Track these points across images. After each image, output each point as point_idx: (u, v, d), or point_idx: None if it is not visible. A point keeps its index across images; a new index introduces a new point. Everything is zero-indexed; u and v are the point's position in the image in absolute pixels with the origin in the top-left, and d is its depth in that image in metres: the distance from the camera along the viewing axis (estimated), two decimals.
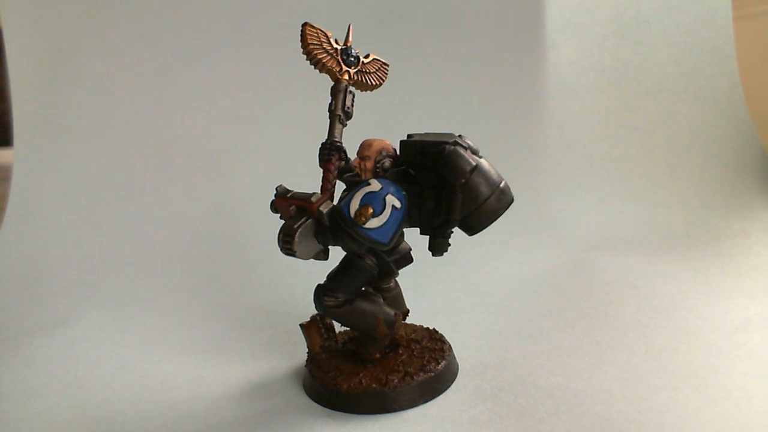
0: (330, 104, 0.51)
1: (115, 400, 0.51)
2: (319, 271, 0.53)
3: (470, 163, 0.46)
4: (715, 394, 0.50)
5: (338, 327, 0.56)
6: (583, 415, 0.47)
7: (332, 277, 0.51)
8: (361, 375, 0.51)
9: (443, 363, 0.53)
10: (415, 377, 0.51)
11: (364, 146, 0.50)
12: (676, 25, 1.24)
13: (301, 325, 0.55)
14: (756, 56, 1.36)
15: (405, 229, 0.51)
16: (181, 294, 0.76)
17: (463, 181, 0.46)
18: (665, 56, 1.24)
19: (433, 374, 0.52)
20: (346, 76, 0.52)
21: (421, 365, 0.52)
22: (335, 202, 0.50)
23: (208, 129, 1.01)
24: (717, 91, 1.25)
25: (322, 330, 0.55)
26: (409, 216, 0.49)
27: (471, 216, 0.47)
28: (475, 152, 0.48)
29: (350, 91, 0.52)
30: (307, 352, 0.56)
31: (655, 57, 1.23)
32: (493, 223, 0.48)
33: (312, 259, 0.50)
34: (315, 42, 0.51)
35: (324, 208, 0.48)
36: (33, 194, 0.93)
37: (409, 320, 0.60)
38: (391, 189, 0.47)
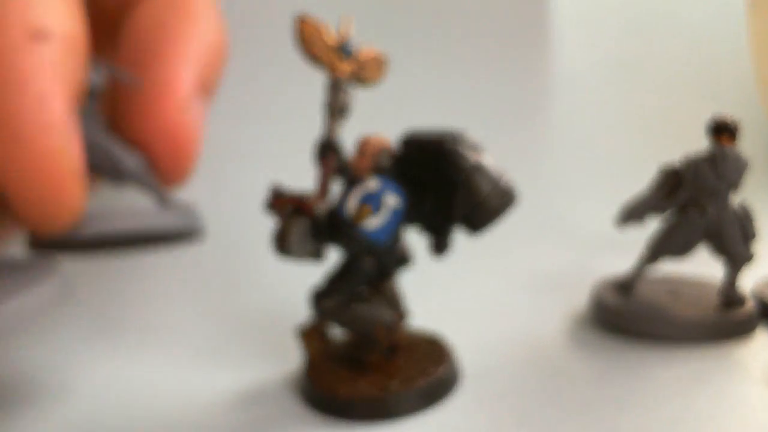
0: (327, 101, 0.50)
1: (105, 406, 0.50)
2: (316, 272, 0.52)
3: (471, 161, 0.46)
4: (730, 401, 0.48)
5: (336, 330, 0.55)
6: (589, 424, 0.46)
7: (329, 278, 0.51)
8: (359, 380, 0.50)
9: (444, 368, 0.52)
10: (415, 383, 0.50)
11: (362, 143, 0.49)
12: (687, 18, 1.23)
13: (297, 328, 0.54)
14: None
15: (404, 229, 0.51)
16: (173, 297, 0.76)
17: (464, 178, 0.46)
18: (676, 51, 1.22)
19: (433, 379, 0.50)
20: (344, 72, 0.51)
21: (422, 370, 0.51)
22: (332, 201, 0.49)
23: (204, 127, 1.00)
24: (729, 85, 1.23)
25: (319, 334, 0.54)
26: (409, 214, 0.48)
27: (472, 214, 0.47)
28: (476, 149, 0.48)
29: (348, 88, 0.51)
30: (304, 357, 0.54)
31: (666, 52, 1.21)
32: (497, 222, 0.47)
33: (308, 260, 0.49)
34: (311, 36, 0.50)
35: (320, 208, 0.47)
36: None
37: (408, 323, 0.59)
38: (390, 187, 0.47)
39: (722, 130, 0.60)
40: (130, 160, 0.45)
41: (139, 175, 0.45)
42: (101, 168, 0.44)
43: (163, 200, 0.47)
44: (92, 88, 0.44)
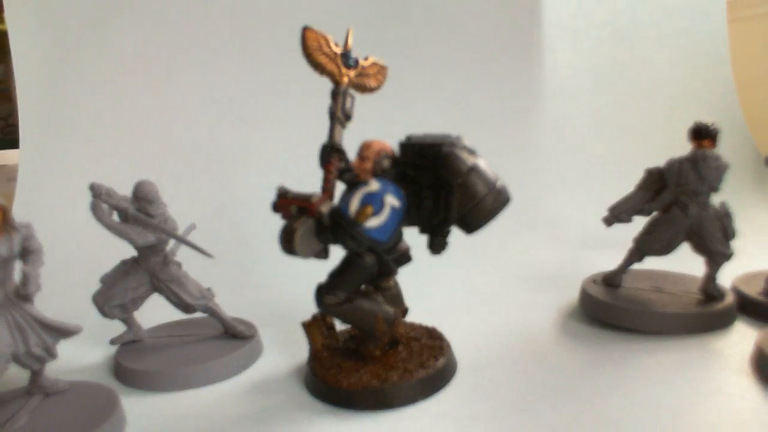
0: (330, 107, 0.52)
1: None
2: (320, 270, 0.54)
3: (467, 164, 0.47)
4: (709, 389, 0.51)
5: (339, 325, 0.57)
6: (580, 410, 0.48)
7: (333, 276, 0.52)
8: (361, 372, 0.52)
9: (442, 360, 0.54)
10: (414, 374, 0.52)
11: (364, 147, 0.51)
12: (672, 29, 1.25)
13: (302, 323, 0.56)
14: (750, 59, 1.37)
15: (404, 228, 0.52)
16: None
17: (461, 180, 0.47)
18: (661, 59, 1.25)
19: (432, 371, 0.52)
20: (346, 79, 0.53)
21: (421, 362, 0.53)
22: (335, 202, 0.50)
23: (210, 130, 1.01)
24: (712, 93, 1.26)
25: (323, 328, 0.56)
26: (408, 215, 0.50)
27: (468, 215, 0.48)
28: (472, 153, 0.49)
29: (350, 94, 0.53)
30: (309, 350, 0.56)
31: (651, 60, 1.24)
32: (491, 222, 0.49)
33: (313, 258, 0.51)
34: (315, 46, 0.52)
35: (324, 208, 0.49)
36: (38, 194, 0.94)
37: (408, 318, 0.61)
38: (390, 189, 0.48)
39: (703, 134, 0.63)
40: (197, 300, 0.60)
41: (204, 307, 0.61)
42: (177, 305, 0.60)
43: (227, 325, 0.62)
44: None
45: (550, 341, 0.62)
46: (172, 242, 0.61)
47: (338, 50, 0.53)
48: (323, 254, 0.52)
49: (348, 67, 0.53)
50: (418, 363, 0.53)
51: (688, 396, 0.50)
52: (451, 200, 0.48)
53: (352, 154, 0.52)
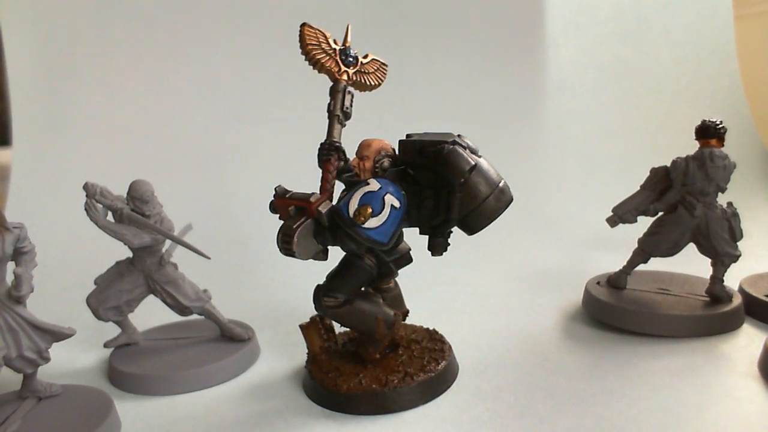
0: (329, 104, 0.51)
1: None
2: (319, 271, 0.53)
3: (469, 163, 0.47)
4: (716, 393, 0.50)
5: (338, 327, 0.56)
6: (583, 415, 0.48)
7: (332, 277, 0.51)
8: (361, 375, 0.51)
9: (443, 363, 0.53)
10: (415, 377, 0.51)
11: (363, 146, 0.50)
12: (677, 25, 1.25)
13: (300, 326, 0.55)
14: (757, 55, 1.36)
15: (404, 229, 0.51)
16: None
17: (462, 180, 0.46)
18: (666, 55, 1.24)
19: (433, 374, 0.52)
20: (345, 77, 0.52)
21: (421, 365, 0.52)
22: (334, 202, 0.49)
23: (207, 129, 1.01)
24: (718, 90, 1.25)
25: (322, 331, 0.56)
26: (408, 215, 0.49)
27: (470, 215, 0.47)
28: (474, 152, 0.49)
29: (349, 92, 0.52)
30: (307, 353, 0.56)
31: (656, 56, 1.23)
32: (493, 223, 0.48)
33: (311, 260, 0.50)
34: (314, 42, 0.51)
35: (323, 208, 0.48)
36: (32, 194, 0.94)
37: (408, 321, 0.60)
38: (390, 188, 0.48)
39: (711, 133, 0.62)
40: (194, 302, 0.59)
41: (200, 310, 0.60)
42: (172, 307, 0.60)
43: (223, 327, 0.61)
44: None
45: (553, 344, 0.61)
46: (168, 243, 0.60)
47: (337, 47, 0.52)
48: (322, 255, 0.51)
49: (347, 64, 0.52)
50: (418, 366, 0.52)
51: (695, 401, 0.49)
52: (452, 200, 0.47)
53: (351, 153, 0.51)
